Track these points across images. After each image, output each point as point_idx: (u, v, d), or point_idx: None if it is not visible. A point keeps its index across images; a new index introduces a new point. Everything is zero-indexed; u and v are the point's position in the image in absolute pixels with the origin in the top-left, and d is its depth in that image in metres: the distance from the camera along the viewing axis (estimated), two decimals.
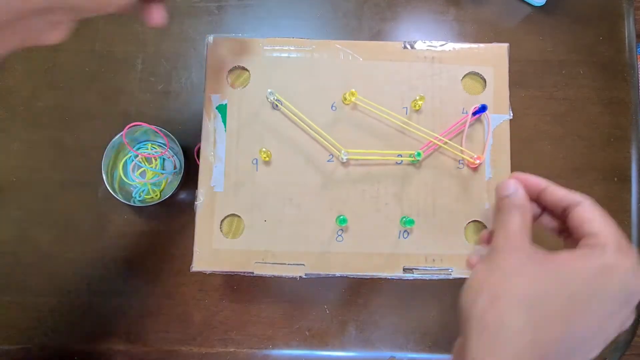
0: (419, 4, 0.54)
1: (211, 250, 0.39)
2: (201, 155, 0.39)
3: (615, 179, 0.51)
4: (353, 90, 0.39)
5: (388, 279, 0.43)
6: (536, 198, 0.30)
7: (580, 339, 0.23)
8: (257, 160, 0.40)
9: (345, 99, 0.40)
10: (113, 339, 0.48)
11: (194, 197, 0.39)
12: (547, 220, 0.31)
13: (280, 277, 0.42)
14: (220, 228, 0.39)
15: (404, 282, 0.45)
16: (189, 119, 0.51)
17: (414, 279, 0.39)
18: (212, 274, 0.48)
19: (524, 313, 0.22)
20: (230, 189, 0.39)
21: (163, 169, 0.50)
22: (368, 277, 0.39)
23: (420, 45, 0.41)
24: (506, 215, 0.27)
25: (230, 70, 0.41)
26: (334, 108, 0.40)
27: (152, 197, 0.49)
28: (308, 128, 0.39)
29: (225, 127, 0.40)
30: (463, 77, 0.41)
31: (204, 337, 0.48)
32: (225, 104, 0.40)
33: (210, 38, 0.41)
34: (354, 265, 0.39)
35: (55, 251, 0.49)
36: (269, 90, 0.39)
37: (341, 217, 0.38)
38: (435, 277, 0.39)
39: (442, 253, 0.39)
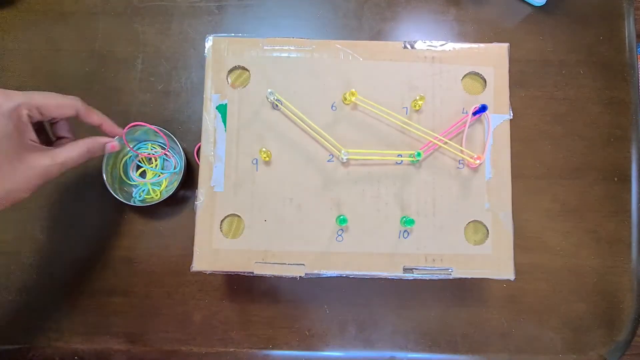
0: (419, 4, 0.54)
1: (211, 250, 0.39)
2: (201, 155, 0.39)
3: (615, 179, 0.51)
4: (353, 90, 0.39)
5: (388, 279, 0.43)
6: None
7: None
8: (257, 160, 0.40)
9: (345, 99, 0.40)
10: (113, 339, 0.48)
11: (194, 197, 0.39)
12: None
13: (280, 277, 0.42)
14: (220, 228, 0.39)
15: (404, 282, 0.45)
16: (189, 119, 0.51)
17: (414, 279, 0.39)
18: (212, 274, 0.48)
19: None
20: (230, 189, 0.39)
21: (163, 169, 0.50)
22: (368, 277, 0.39)
23: (420, 45, 0.41)
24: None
25: (230, 70, 0.41)
26: (334, 108, 0.40)
27: (152, 197, 0.49)
28: (308, 128, 0.39)
29: (225, 127, 0.40)
30: (463, 77, 0.41)
31: (204, 337, 0.48)
32: (225, 104, 0.40)
33: (210, 38, 0.41)
34: (354, 265, 0.39)
35: (55, 251, 0.49)
36: (269, 90, 0.39)
37: (341, 217, 0.38)
38: (435, 277, 0.39)
39: (442, 253, 0.39)
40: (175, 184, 0.46)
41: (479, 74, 0.41)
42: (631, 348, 0.49)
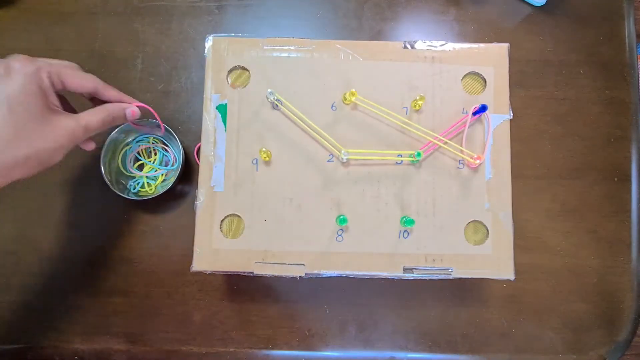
0: (419, 4, 0.54)
1: (211, 250, 0.39)
2: (201, 155, 0.39)
3: (615, 179, 0.51)
4: (353, 90, 0.39)
5: (388, 279, 0.43)
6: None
7: None
8: (257, 160, 0.40)
9: (345, 99, 0.40)
10: (113, 339, 0.48)
11: (194, 198, 0.39)
12: None
13: (280, 277, 0.42)
14: (220, 228, 0.39)
15: (404, 282, 0.45)
16: (189, 119, 0.51)
17: (414, 279, 0.39)
18: (212, 274, 0.48)
19: None
20: (230, 189, 0.39)
21: (161, 164, 0.50)
22: (368, 277, 0.39)
23: (420, 45, 0.41)
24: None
25: (230, 70, 0.41)
26: (334, 108, 0.40)
27: (147, 191, 0.49)
28: (308, 128, 0.39)
29: (225, 127, 0.40)
30: (463, 77, 0.41)
31: (204, 337, 0.48)
32: (225, 104, 0.40)
33: (210, 38, 0.41)
34: (354, 265, 0.39)
35: (55, 251, 0.49)
36: (269, 90, 0.39)
37: (341, 217, 0.38)
38: (435, 277, 0.39)
39: (442, 253, 0.39)
40: (172, 180, 0.46)
41: (479, 74, 0.41)
42: (631, 348, 0.49)
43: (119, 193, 0.46)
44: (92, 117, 0.37)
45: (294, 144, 0.40)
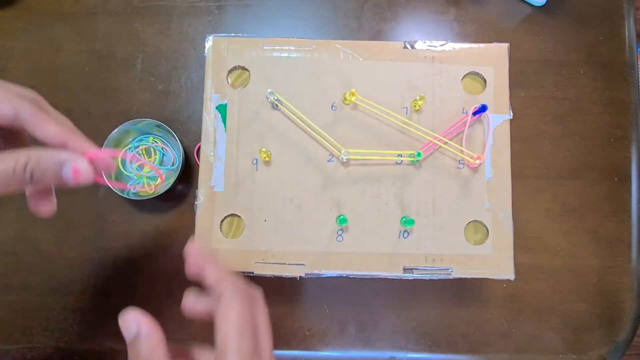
0: (419, 4, 0.54)
1: (211, 251, 0.39)
2: (201, 155, 0.39)
3: (615, 179, 0.51)
4: (353, 90, 0.39)
5: (388, 279, 0.43)
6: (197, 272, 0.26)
7: None
8: (257, 160, 0.40)
9: (345, 99, 0.40)
10: (113, 339, 0.48)
11: (193, 197, 0.39)
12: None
13: (280, 277, 0.42)
14: (220, 228, 0.39)
15: (404, 282, 0.45)
16: (189, 119, 0.51)
17: (414, 279, 0.39)
18: None
19: None
20: (230, 189, 0.39)
21: (161, 164, 0.50)
22: (368, 277, 0.39)
23: (420, 45, 0.41)
24: None
25: (230, 70, 0.41)
26: (334, 108, 0.40)
27: (147, 192, 0.49)
28: (308, 128, 0.39)
29: (225, 127, 0.40)
30: (463, 77, 0.41)
31: (204, 337, 0.48)
32: (225, 104, 0.40)
33: (210, 38, 0.41)
34: (354, 265, 0.39)
35: (55, 251, 0.49)
36: (269, 90, 0.39)
37: (341, 217, 0.38)
38: (435, 277, 0.39)
39: (442, 253, 0.39)
40: (172, 180, 0.46)
41: (479, 74, 0.41)
42: (631, 348, 0.49)
43: (119, 193, 0.46)
44: None
45: (294, 144, 0.40)
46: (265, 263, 0.39)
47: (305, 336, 0.48)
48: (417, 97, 0.39)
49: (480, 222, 0.39)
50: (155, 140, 0.50)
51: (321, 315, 0.49)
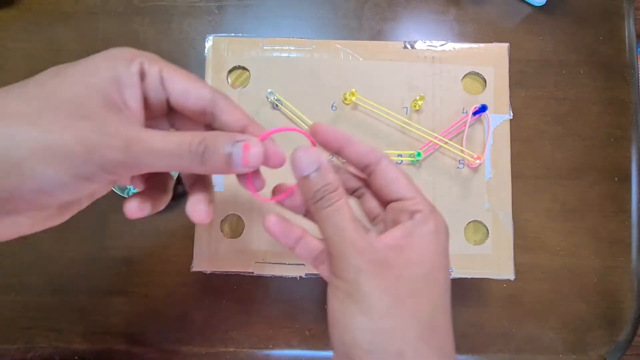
0: (419, 4, 0.54)
1: (211, 250, 0.39)
2: None
3: (616, 179, 0.51)
4: (353, 90, 0.39)
5: None
6: (336, 153, 0.26)
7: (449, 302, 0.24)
8: None
9: (345, 99, 0.40)
10: (113, 339, 0.48)
11: None
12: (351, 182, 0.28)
13: (280, 277, 0.42)
14: (220, 228, 0.39)
15: None
16: None
17: None
18: (212, 274, 0.48)
19: (427, 346, 0.22)
20: (230, 189, 0.39)
21: None
22: None
23: (420, 45, 0.41)
24: (331, 211, 0.23)
25: (230, 70, 0.41)
26: (334, 108, 0.40)
27: None
28: (308, 128, 0.39)
29: None
30: (463, 77, 0.41)
31: (204, 337, 0.48)
32: None
33: (210, 38, 0.41)
34: None
35: (55, 251, 0.49)
36: (269, 90, 0.39)
37: None
38: None
39: None
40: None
41: (479, 74, 0.41)
42: (631, 348, 0.49)
43: (119, 193, 0.46)
44: (157, 140, 0.21)
45: (294, 144, 0.40)
46: (265, 263, 0.39)
47: (305, 336, 0.48)
48: (417, 97, 0.39)
49: (480, 222, 0.39)
50: None
51: (321, 315, 0.49)
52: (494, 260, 0.39)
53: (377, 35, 0.53)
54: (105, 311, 0.48)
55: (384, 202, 0.26)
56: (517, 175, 0.40)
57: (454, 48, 0.41)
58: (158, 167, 0.22)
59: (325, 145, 0.26)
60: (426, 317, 0.23)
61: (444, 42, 0.41)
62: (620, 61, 0.53)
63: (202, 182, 0.27)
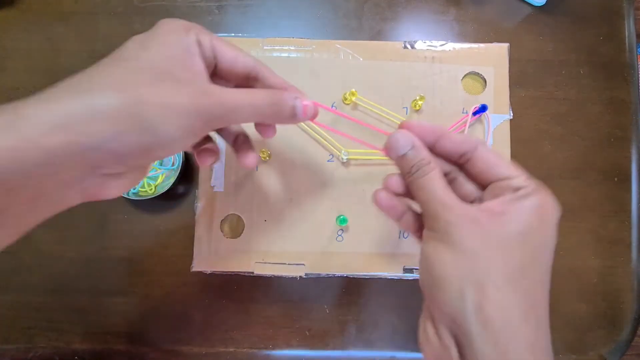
0: (419, 4, 0.54)
1: (211, 250, 0.39)
2: None
3: (615, 179, 0.51)
4: (353, 90, 0.39)
5: (388, 279, 0.43)
6: (432, 145, 0.28)
7: (547, 275, 0.25)
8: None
9: (345, 98, 0.40)
10: (113, 339, 0.48)
11: (193, 197, 0.39)
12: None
13: (280, 277, 0.42)
14: (220, 228, 0.39)
15: (404, 282, 0.45)
16: None
17: (414, 279, 0.39)
18: (212, 274, 0.48)
19: (512, 289, 0.23)
20: (230, 189, 0.39)
21: (162, 164, 0.50)
22: (368, 277, 0.39)
23: (420, 45, 0.41)
24: (425, 180, 0.25)
25: None
26: (334, 108, 0.40)
27: (147, 191, 0.49)
28: (308, 128, 0.39)
29: None
30: (463, 77, 0.41)
31: (204, 337, 0.48)
32: None
33: None
34: (354, 265, 0.39)
35: (55, 251, 0.49)
36: None
37: (341, 217, 0.38)
38: None
39: None
40: (172, 180, 0.46)
41: (479, 74, 0.41)
42: (631, 348, 0.49)
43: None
44: (243, 96, 0.25)
45: (294, 144, 0.40)
46: (265, 263, 0.39)
47: (305, 336, 0.48)
48: (417, 97, 0.39)
49: None
50: None
51: (321, 315, 0.49)
52: None
53: (377, 35, 0.53)
54: (105, 311, 0.48)
55: (484, 184, 0.27)
56: None
57: (454, 48, 0.41)
58: (242, 119, 0.26)
59: (422, 139, 0.27)
60: (516, 267, 0.23)
61: (444, 42, 0.41)
62: (620, 61, 0.53)
63: (242, 138, 0.32)
